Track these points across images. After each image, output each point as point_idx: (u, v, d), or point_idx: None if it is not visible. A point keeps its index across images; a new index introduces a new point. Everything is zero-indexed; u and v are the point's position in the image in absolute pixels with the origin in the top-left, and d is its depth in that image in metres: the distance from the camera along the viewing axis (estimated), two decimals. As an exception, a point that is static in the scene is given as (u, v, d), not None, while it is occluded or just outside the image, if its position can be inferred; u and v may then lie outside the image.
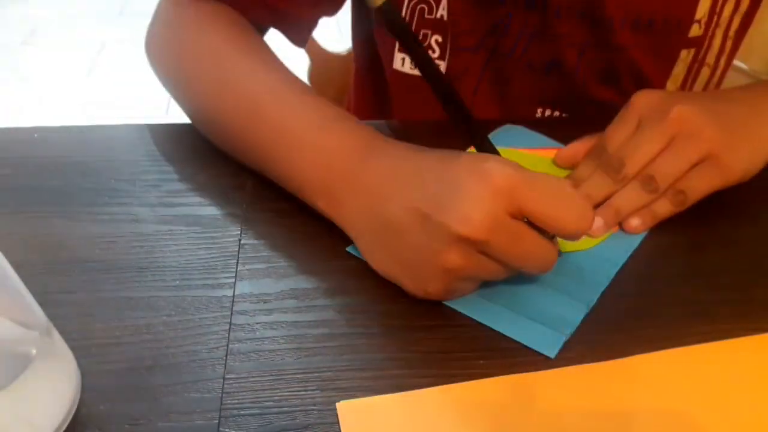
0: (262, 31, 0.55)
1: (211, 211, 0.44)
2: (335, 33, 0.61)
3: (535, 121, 0.53)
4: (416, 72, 0.58)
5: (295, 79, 0.45)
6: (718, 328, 0.36)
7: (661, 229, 0.43)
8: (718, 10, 0.53)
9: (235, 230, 0.42)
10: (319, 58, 0.87)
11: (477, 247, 0.33)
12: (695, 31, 0.53)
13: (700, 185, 0.42)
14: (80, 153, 0.49)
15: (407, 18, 0.55)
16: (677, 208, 0.42)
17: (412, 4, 0.55)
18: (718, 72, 0.59)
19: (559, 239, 0.39)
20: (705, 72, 0.57)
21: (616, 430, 0.31)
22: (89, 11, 2.49)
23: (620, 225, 0.43)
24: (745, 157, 0.42)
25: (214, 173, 0.47)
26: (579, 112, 0.59)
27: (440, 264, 0.34)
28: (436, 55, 0.57)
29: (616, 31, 0.53)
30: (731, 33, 0.56)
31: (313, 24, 0.58)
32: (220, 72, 0.46)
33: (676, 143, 0.41)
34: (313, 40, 0.86)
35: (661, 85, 0.57)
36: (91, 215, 0.43)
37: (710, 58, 0.56)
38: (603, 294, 0.38)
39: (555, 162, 0.48)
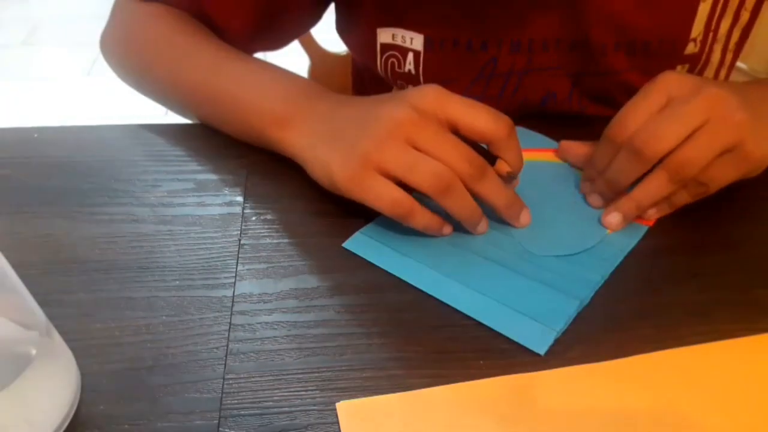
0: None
1: (211, 210, 0.44)
2: (335, 33, 0.61)
3: (532, 121, 0.53)
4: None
5: (239, 51, 0.51)
6: (717, 329, 0.36)
7: (661, 229, 0.43)
8: (713, 27, 0.52)
9: (235, 230, 0.42)
10: (319, 58, 0.87)
11: (409, 130, 0.38)
12: (691, 49, 0.52)
13: (723, 176, 0.40)
14: (80, 153, 0.49)
15: (383, 69, 0.57)
16: (695, 198, 0.41)
17: (384, 57, 0.56)
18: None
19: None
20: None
21: (615, 430, 0.31)
22: (89, 11, 2.48)
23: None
24: (766, 147, 0.40)
25: (214, 173, 0.47)
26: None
27: (381, 125, 0.38)
28: None
29: (609, 57, 0.52)
30: (731, 46, 0.55)
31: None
32: (174, 51, 0.51)
33: (709, 126, 0.39)
34: (313, 40, 0.86)
35: (685, 42, 0.55)
36: (91, 215, 0.43)
37: (709, 72, 0.56)
38: (603, 294, 0.38)
39: (557, 154, 0.48)
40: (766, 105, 0.43)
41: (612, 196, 0.43)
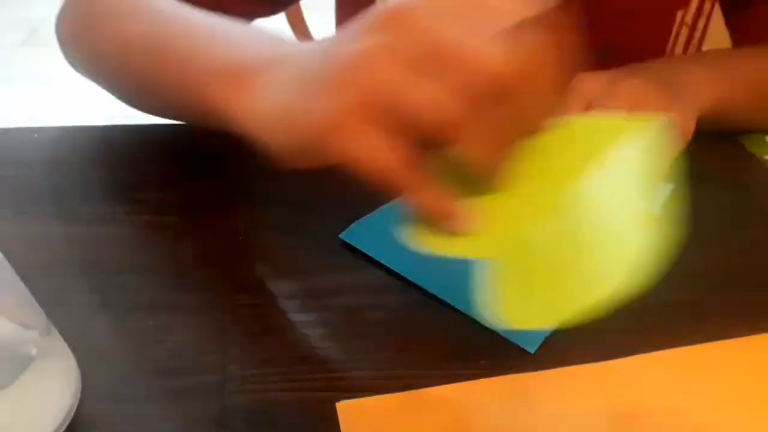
0: None
1: (211, 210, 0.43)
2: (335, 32, 0.61)
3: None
4: None
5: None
6: (717, 329, 0.36)
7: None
8: None
9: (234, 230, 0.42)
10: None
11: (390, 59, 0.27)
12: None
13: None
14: (80, 153, 0.49)
15: None
16: None
17: None
18: (697, 34, 0.58)
19: None
20: (684, 32, 0.57)
21: (615, 430, 0.31)
22: (89, 11, 2.49)
23: None
24: (690, 119, 0.43)
25: (214, 174, 0.47)
26: None
27: (351, 63, 0.28)
28: None
29: (607, 4, 0.52)
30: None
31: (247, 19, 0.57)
32: (125, 8, 0.44)
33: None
34: (313, 39, 0.86)
35: (662, 52, 0.57)
36: (91, 215, 0.43)
37: (688, 18, 0.56)
38: (603, 294, 0.38)
39: None
40: (673, 76, 0.45)
41: None
